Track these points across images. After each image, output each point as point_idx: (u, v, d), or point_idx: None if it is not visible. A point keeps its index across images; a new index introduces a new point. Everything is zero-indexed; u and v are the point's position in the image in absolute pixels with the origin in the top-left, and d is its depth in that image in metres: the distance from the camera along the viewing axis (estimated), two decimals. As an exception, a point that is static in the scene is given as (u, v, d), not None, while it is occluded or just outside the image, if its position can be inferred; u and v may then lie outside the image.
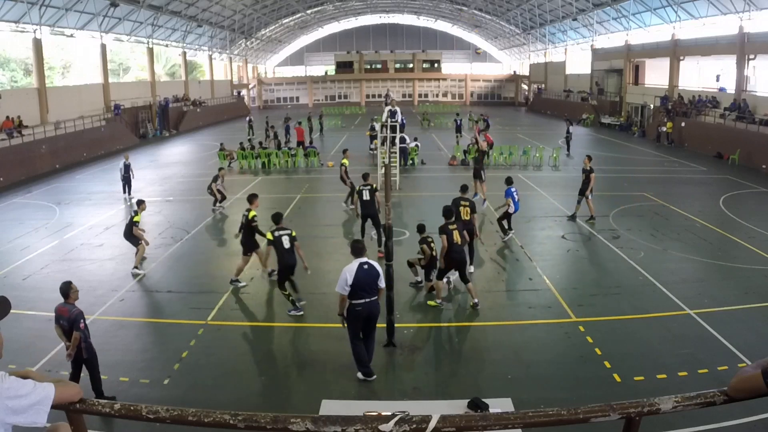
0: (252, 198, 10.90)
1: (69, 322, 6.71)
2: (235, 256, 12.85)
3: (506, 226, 13.47)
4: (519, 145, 27.35)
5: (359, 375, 7.40)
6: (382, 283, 7.29)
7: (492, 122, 38.56)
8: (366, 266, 7.08)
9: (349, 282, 6.99)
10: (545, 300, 10.16)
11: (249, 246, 10.76)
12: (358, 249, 7.25)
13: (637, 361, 7.88)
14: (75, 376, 6.94)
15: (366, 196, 12.52)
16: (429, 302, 9.87)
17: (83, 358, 6.84)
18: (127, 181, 18.65)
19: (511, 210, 13.28)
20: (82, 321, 6.73)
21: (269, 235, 9.44)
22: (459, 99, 69.68)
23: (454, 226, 9.63)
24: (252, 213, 10.61)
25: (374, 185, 12.92)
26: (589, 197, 15.08)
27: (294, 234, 9.51)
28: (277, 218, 9.72)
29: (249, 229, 10.67)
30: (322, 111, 46.03)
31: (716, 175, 22.66)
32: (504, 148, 25.66)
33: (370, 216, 12.72)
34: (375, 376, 7.37)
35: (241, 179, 22.42)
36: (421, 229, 10.57)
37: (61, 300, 6.87)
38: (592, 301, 10.15)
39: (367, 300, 7.11)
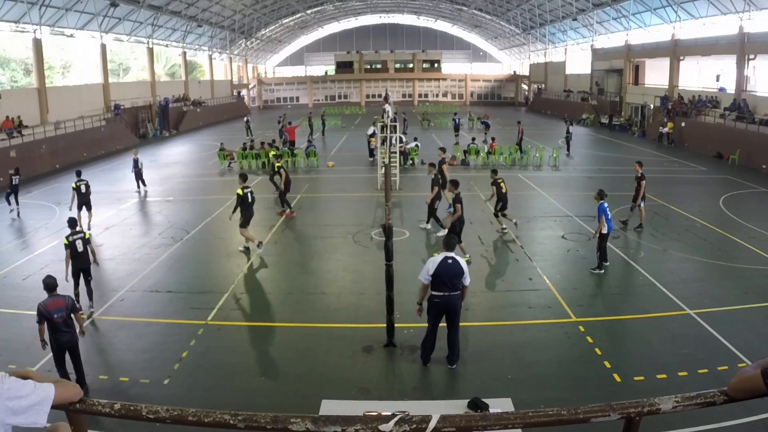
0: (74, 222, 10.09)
1: (67, 309, 6.83)
2: (236, 256, 12.90)
3: (605, 255, 11.59)
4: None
5: (422, 360, 7.82)
6: (466, 281, 7.45)
7: (492, 122, 38.54)
8: (450, 261, 7.28)
9: (431, 272, 7.24)
10: (545, 300, 10.16)
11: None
12: (449, 244, 7.52)
13: (637, 361, 7.89)
14: (63, 370, 7.00)
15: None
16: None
17: (76, 341, 6.96)
18: (138, 175, 19.80)
19: (605, 230, 11.29)
20: (75, 303, 6.99)
21: (65, 240, 9.36)
22: (459, 99, 69.68)
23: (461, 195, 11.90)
24: (87, 234, 10.00)
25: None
26: (641, 205, 14.34)
27: (87, 236, 9.74)
28: (73, 223, 9.72)
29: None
30: (323, 111, 45.87)
31: (716, 175, 22.66)
32: (504, 148, 25.66)
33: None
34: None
35: (241, 179, 22.40)
36: (455, 183, 12.33)
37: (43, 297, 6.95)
38: (592, 301, 10.16)
39: (446, 293, 7.31)
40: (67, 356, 7.08)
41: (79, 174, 15.53)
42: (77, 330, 7.09)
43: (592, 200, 12.49)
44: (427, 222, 14.55)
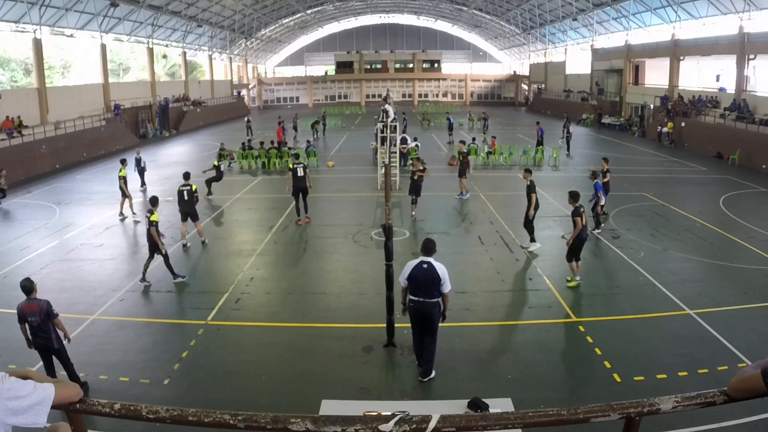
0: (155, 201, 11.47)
1: (41, 314, 6.76)
2: (236, 256, 12.90)
3: (599, 219, 14.23)
4: (519, 145, 27.35)
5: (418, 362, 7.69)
6: (445, 288, 7.04)
7: (492, 122, 38.53)
8: (425, 266, 6.98)
9: (405, 275, 7.05)
10: (545, 300, 10.16)
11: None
12: (426, 248, 7.14)
13: (637, 361, 7.88)
14: (50, 370, 6.98)
15: (300, 172, 14.84)
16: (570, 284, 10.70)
17: (54, 348, 6.89)
18: (140, 173, 20.34)
19: (603, 202, 13.80)
20: (54, 308, 6.84)
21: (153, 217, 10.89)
22: (459, 99, 69.69)
23: (584, 208, 10.68)
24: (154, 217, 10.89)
25: (305, 164, 15.34)
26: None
27: (153, 220, 10.71)
28: (153, 202, 11.36)
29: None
30: (325, 111, 45.75)
31: (716, 175, 22.66)
32: (504, 148, 25.66)
33: (300, 190, 15.00)
34: (431, 375, 7.49)
35: (241, 179, 22.43)
36: (574, 196, 10.71)
37: (23, 298, 6.96)
38: (592, 301, 10.16)
39: (420, 299, 7.06)
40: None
41: (122, 162, 17.25)
42: (61, 336, 6.97)
43: (593, 200, 13.98)
44: (531, 240, 12.85)
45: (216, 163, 19.67)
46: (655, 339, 8.58)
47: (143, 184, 20.51)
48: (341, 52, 71.89)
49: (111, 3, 32.37)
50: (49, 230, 15.18)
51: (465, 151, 18.66)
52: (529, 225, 12.82)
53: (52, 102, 29.72)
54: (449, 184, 21.37)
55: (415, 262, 7.09)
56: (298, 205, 15.39)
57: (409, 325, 8.21)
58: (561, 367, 7.87)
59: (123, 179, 16.39)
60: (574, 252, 10.60)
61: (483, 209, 16.72)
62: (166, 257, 10.98)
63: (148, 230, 10.77)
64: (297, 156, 16.52)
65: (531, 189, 12.69)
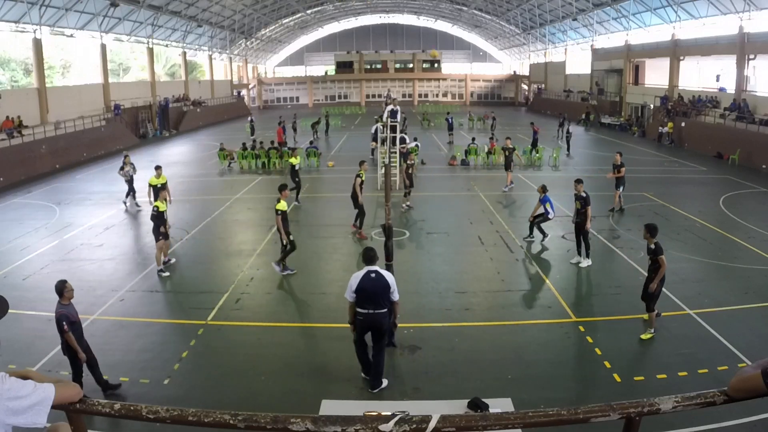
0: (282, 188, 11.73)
1: (57, 321, 6.76)
2: (235, 255, 12.91)
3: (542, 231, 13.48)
4: (519, 145, 27.29)
5: (362, 373, 7.46)
6: (394, 296, 6.93)
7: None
8: (373, 275, 6.80)
9: (353, 288, 6.80)
10: (545, 300, 10.16)
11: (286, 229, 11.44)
12: (368, 257, 6.96)
13: (637, 361, 7.89)
14: (78, 376, 6.95)
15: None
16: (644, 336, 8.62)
17: (66, 353, 6.87)
18: (130, 182, 18.56)
19: (551, 216, 13.22)
20: (64, 323, 6.68)
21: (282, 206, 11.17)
22: (459, 99, 69.69)
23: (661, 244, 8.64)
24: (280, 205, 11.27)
25: (359, 173, 14.61)
26: (620, 189, 16.05)
27: (277, 207, 11.09)
28: (282, 189, 11.59)
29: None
30: (327, 111, 45.71)
31: (716, 175, 22.65)
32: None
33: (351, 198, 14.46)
34: (384, 383, 7.23)
35: (241, 179, 22.42)
36: (651, 230, 8.57)
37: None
38: (592, 301, 10.16)
39: (371, 311, 6.84)
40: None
41: (156, 169, 15.91)
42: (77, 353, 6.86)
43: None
44: (587, 255, 11.90)
45: (292, 159, 18.24)
46: (655, 339, 8.58)
47: (132, 195, 18.57)
48: (341, 52, 71.88)
49: (111, 3, 32.36)
50: (49, 230, 15.18)
51: (512, 147, 19.70)
52: (585, 238, 11.87)
53: (52, 102, 29.71)
54: (449, 183, 21.40)
55: (361, 273, 6.84)
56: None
57: (410, 324, 8.23)
58: (561, 367, 7.86)
59: (153, 187, 15.21)
60: (656, 298, 8.64)
61: (483, 209, 16.71)
62: (289, 247, 11.35)
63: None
64: (360, 164, 15.15)
65: (587, 202, 11.64)
